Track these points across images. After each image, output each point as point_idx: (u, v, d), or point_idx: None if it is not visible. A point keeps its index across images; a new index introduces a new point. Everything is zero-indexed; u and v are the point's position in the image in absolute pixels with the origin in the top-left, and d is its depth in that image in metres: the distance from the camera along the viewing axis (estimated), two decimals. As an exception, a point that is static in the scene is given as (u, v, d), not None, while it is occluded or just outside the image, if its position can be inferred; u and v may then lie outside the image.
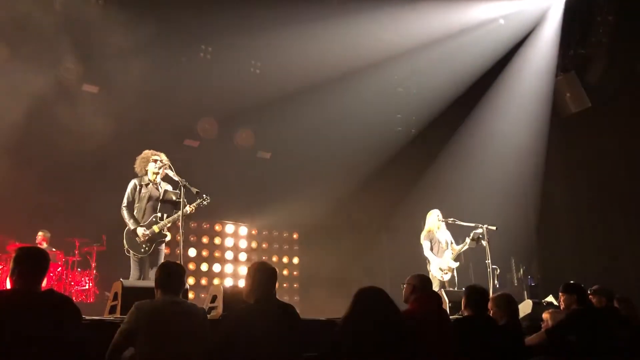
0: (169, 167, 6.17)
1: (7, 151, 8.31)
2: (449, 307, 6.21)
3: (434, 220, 8.03)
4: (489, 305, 4.41)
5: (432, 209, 8.22)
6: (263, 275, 3.62)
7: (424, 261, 8.03)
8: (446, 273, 7.78)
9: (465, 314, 4.26)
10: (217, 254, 11.10)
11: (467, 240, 7.67)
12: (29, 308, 2.95)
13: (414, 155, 11.53)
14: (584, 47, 10.43)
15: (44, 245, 8.46)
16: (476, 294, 4.24)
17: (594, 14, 10.01)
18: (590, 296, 5.17)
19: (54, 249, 8.72)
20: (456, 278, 7.90)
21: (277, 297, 3.72)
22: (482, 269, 7.64)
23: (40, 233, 8.60)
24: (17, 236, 8.40)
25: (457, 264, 7.89)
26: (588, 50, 10.40)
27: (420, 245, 8.07)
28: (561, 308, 4.95)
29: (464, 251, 7.90)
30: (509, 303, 4.40)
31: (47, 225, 8.75)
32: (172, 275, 3.59)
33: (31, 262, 3.14)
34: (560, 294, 4.86)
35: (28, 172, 8.70)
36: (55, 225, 8.87)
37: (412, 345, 2.92)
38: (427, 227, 8.11)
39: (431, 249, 7.94)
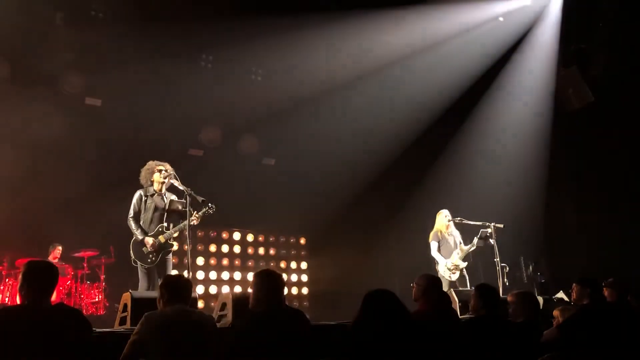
0: (174, 176, 6.17)
1: (14, 166, 8.38)
2: (459, 306, 6.18)
3: (443, 220, 8.05)
4: (510, 300, 4.42)
5: (440, 208, 8.26)
6: (269, 283, 3.60)
7: (433, 261, 8.02)
8: (454, 272, 7.78)
9: (477, 313, 4.22)
10: (224, 262, 11.14)
11: (475, 240, 7.69)
12: (39, 322, 2.96)
13: (419, 155, 11.49)
14: (584, 42, 10.39)
15: (57, 260, 8.51)
16: (487, 293, 4.21)
17: (593, 8, 9.97)
18: (604, 288, 5.14)
19: (63, 263, 8.74)
20: (467, 277, 7.87)
21: (287, 303, 3.71)
22: (491, 267, 7.63)
23: (53, 247, 8.64)
24: (26, 251, 8.41)
25: (465, 263, 7.88)
26: (589, 44, 10.35)
27: (429, 245, 8.08)
28: (572, 298, 4.92)
29: (472, 250, 7.90)
30: (531, 301, 4.43)
31: (55, 239, 8.78)
32: (179, 287, 3.58)
33: (39, 276, 3.15)
34: (574, 284, 4.84)
35: (35, 187, 8.76)
36: (63, 239, 8.88)
37: (422, 347, 2.90)
38: (435, 227, 8.13)
39: (439, 250, 7.95)
